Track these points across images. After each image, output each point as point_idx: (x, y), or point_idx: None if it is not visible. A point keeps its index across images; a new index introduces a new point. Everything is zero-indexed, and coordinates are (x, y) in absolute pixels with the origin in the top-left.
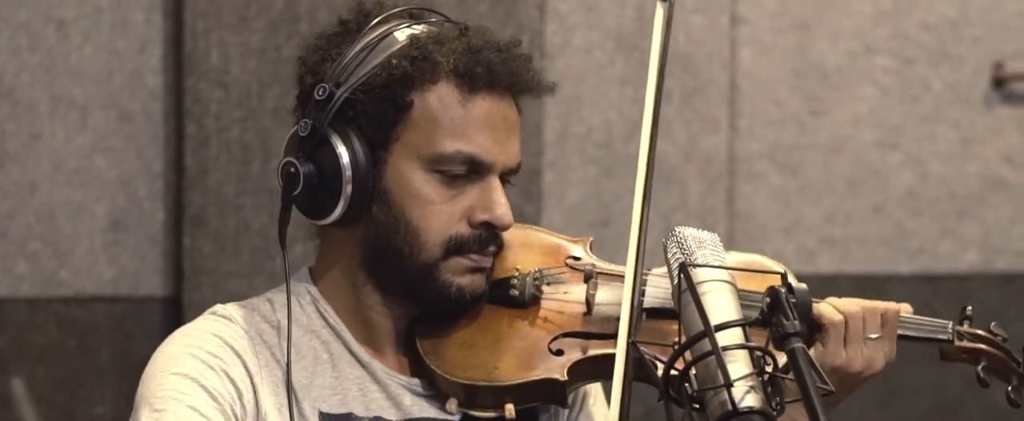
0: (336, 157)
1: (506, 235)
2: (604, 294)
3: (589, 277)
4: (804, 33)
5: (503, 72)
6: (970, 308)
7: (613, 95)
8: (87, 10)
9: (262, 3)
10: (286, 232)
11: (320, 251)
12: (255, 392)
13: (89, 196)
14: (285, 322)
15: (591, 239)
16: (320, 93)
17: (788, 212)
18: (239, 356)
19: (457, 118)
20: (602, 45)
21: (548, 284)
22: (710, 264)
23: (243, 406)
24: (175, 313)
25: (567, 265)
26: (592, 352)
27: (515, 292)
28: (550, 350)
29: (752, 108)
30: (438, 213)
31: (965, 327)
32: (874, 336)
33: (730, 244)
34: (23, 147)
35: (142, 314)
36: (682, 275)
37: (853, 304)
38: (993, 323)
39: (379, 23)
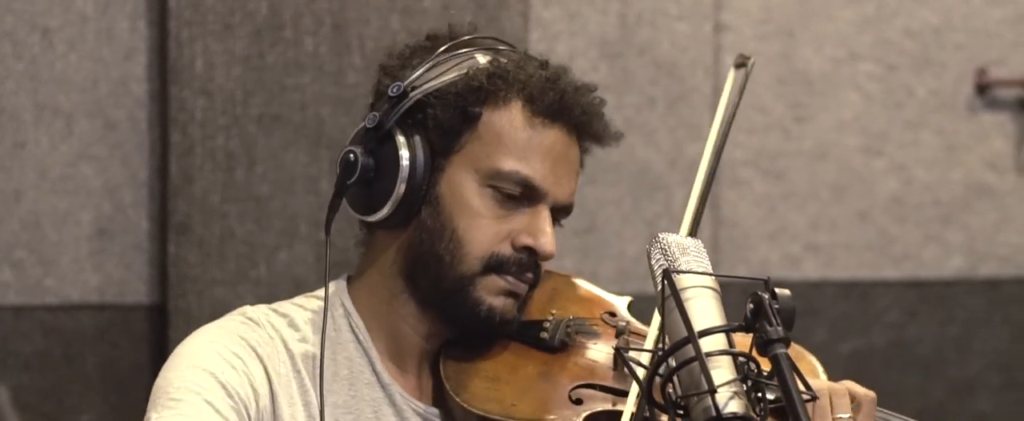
0: (397, 155)
1: (549, 281)
2: (633, 353)
3: (620, 333)
4: (788, 40)
5: (575, 106)
6: None
7: None
8: (72, 18)
9: (246, 11)
10: (333, 218)
11: (364, 257)
12: (272, 398)
13: (74, 204)
14: (312, 334)
15: (631, 299)
16: (394, 90)
17: (773, 218)
18: (261, 361)
19: (521, 140)
20: (585, 53)
21: (579, 334)
22: (694, 270)
23: (259, 409)
24: (161, 321)
25: (602, 319)
26: (611, 407)
27: (545, 335)
28: (570, 398)
29: (736, 115)
30: (484, 227)
31: None
32: (844, 416)
33: (715, 250)
34: (8, 155)
35: (128, 322)
36: (665, 281)
37: (820, 383)
38: None
39: (465, 43)
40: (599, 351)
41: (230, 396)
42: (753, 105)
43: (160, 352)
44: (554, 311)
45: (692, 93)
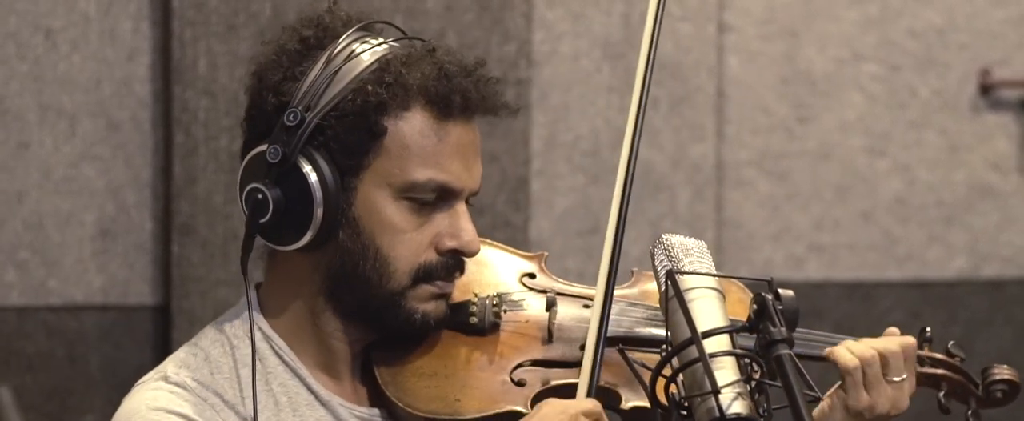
0: (306, 183)
1: None
2: (565, 321)
3: (551, 305)
4: (791, 40)
5: (476, 98)
6: (929, 330)
7: (600, 103)
8: (75, 19)
9: (250, 12)
10: (248, 260)
11: (271, 274)
12: None
13: (78, 205)
14: (238, 371)
15: (546, 254)
16: (291, 119)
17: (776, 219)
18: None
19: (430, 146)
20: (589, 53)
21: (506, 310)
22: (697, 271)
23: None
24: (164, 321)
25: (524, 285)
26: (554, 382)
27: (474, 320)
28: (512, 380)
29: (740, 115)
30: (408, 241)
31: (925, 351)
32: (897, 379)
33: (718, 251)
34: (11, 156)
35: (131, 322)
36: (669, 282)
37: (869, 349)
38: (951, 343)
39: (336, 34)
40: (529, 324)
41: None
42: (757, 105)
43: (163, 353)
44: (475, 290)
45: (695, 93)
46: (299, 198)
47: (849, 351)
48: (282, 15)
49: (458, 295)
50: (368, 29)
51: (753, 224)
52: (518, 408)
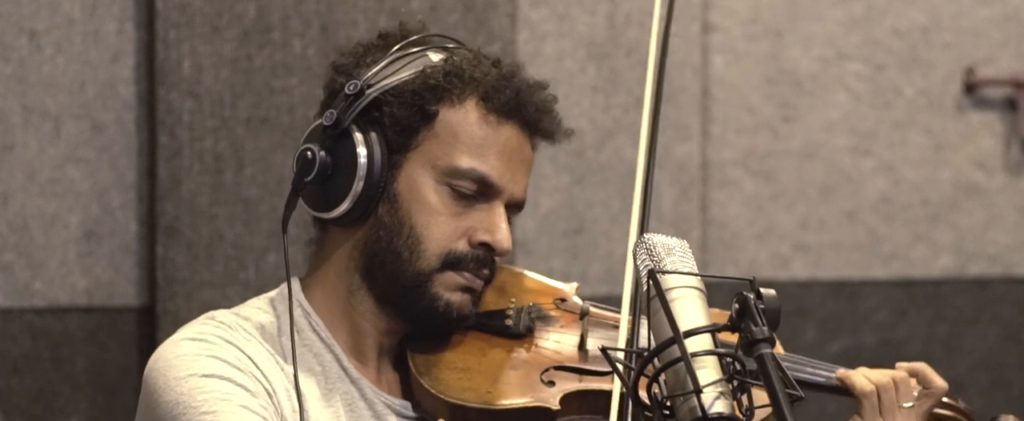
0: (354, 152)
1: (499, 275)
2: (597, 333)
3: (584, 314)
4: (776, 40)
5: (530, 104)
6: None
7: (585, 103)
8: (59, 21)
9: (234, 13)
10: (290, 217)
11: (317, 254)
12: (271, 395)
13: (62, 206)
14: (276, 335)
15: (577, 285)
16: (350, 88)
17: (761, 219)
18: (252, 359)
19: (478, 137)
20: (573, 53)
21: (540, 319)
22: (679, 271)
23: (273, 404)
24: (149, 323)
25: (556, 306)
26: (584, 386)
27: (510, 323)
28: (542, 380)
29: (725, 115)
30: (442, 224)
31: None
32: (908, 405)
33: (704, 251)
34: None
35: (116, 324)
36: (651, 281)
37: (885, 376)
38: (958, 399)
39: (417, 41)
40: (562, 334)
41: (255, 396)
42: (741, 105)
43: (148, 354)
44: (513, 300)
45: (680, 93)
46: (345, 166)
47: (865, 377)
48: (266, 16)
49: (495, 304)
50: (444, 44)
51: (738, 224)
52: (546, 405)
